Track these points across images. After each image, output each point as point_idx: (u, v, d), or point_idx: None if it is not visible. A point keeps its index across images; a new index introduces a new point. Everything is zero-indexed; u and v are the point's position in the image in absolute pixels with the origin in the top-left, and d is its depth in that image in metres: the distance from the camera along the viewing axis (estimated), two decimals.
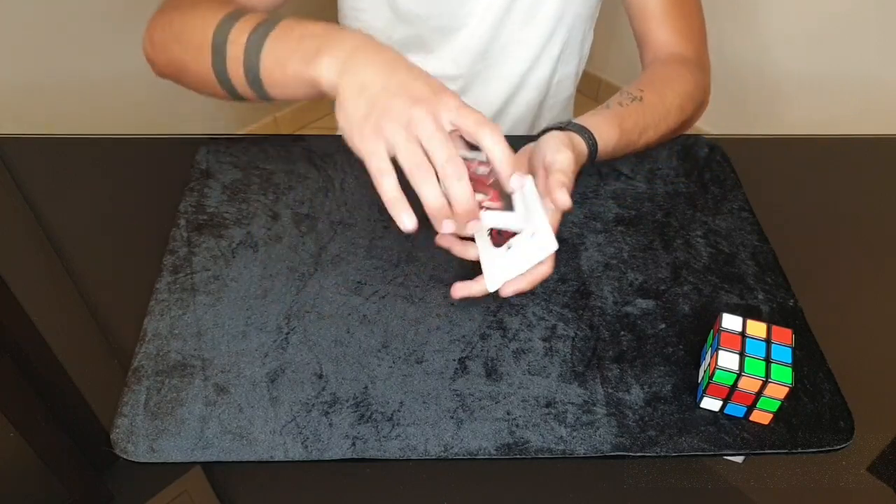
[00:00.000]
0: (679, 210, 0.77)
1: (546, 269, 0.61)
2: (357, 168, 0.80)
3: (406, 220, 0.53)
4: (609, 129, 0.70)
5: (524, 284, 0.60)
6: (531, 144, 0.68)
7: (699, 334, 0.65)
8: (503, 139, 0.55)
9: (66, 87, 1.53)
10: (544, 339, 0.64)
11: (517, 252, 0.59)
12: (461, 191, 0.52)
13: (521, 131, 0.99)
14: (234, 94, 0.65)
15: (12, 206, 0.79)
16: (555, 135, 0.65)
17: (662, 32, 0.84)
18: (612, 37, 1.54)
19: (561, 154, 0.62)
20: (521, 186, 0.56)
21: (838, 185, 0.85)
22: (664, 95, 0.76)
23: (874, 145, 0.93)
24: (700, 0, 0.85)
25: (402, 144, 0.52)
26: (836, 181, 0.86)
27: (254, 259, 0.70)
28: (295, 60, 0.57)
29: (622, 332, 0.65)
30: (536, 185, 0.61)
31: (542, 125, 1.01)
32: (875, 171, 0.88)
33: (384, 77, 0.54)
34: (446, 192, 0.53)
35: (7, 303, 0.69)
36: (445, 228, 0.54)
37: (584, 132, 0.67)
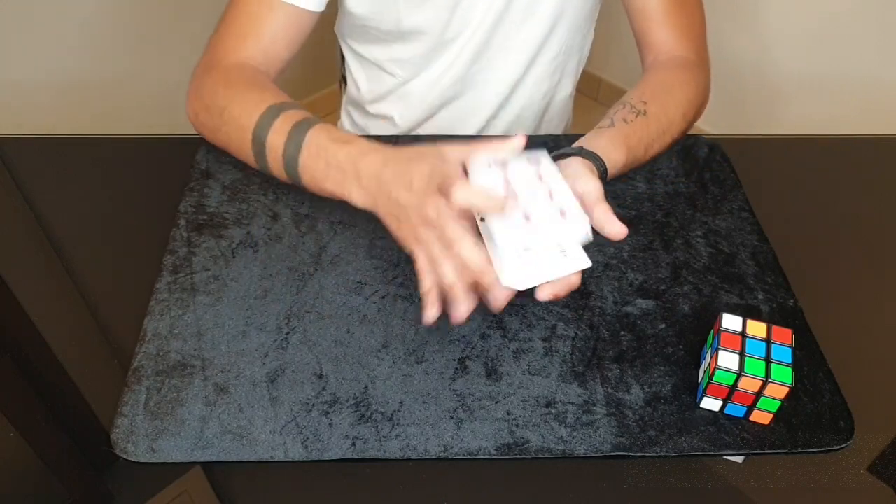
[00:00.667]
0: (679, 210, 0.77)
1: (576, 282, 0.58)
2: None
3: (429, 314, 0.59)
4: (616, 151, 0.69)
5: (562, 291, 0.57)
6: None
7: (699, 334, 0.65)
8: (486, 198, 0.57)
9: (66, 87, 1.53)
10: (544, 339, 0.64)
11: (544, 260, 0.55)
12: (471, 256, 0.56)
13: (519, 132, 0.98)
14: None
15: (12, 206, 0.79)
16: (578, 161, 0.65)
17: (663, 33, 0.83)
18: (612, 37, 1.54)
19: (591, 183, 0.61)
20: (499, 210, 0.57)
21: (838, 185, 0.85)
22: (667, 106, 0.76)
23: (874, 145, 0.93)
24: None
25: (425, 268, 0.59)
26: (836, 181, 0.86)
27: (254, 259, 0.70)
28: (328, 184, 0.65)
29: (622, 332, 0.65)
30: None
31: (542, 125, 1.01)
32: (875, 171, 0.88)
33: (396, 204, 0.60)
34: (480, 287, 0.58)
35: (7, 303, 0.69)
36: (462, 312, 0.58)
37: (594, 158, 0.67)
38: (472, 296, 0.58)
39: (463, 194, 0.55)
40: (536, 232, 0.56)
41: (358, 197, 0.63)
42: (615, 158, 0.69)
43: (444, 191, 0.56)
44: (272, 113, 0.69)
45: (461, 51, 0.88)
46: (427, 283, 0.59)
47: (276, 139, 0.68)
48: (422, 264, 0.59)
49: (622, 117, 0.73)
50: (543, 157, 0.62)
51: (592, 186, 0.60)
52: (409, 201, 0.58)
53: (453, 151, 0.61)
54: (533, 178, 0.60)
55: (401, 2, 0.83)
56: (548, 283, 0.56)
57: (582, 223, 0.55)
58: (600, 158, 0.67)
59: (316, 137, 0.66)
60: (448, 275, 0.57)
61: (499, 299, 0.58)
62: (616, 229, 0.58)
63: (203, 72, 0.78)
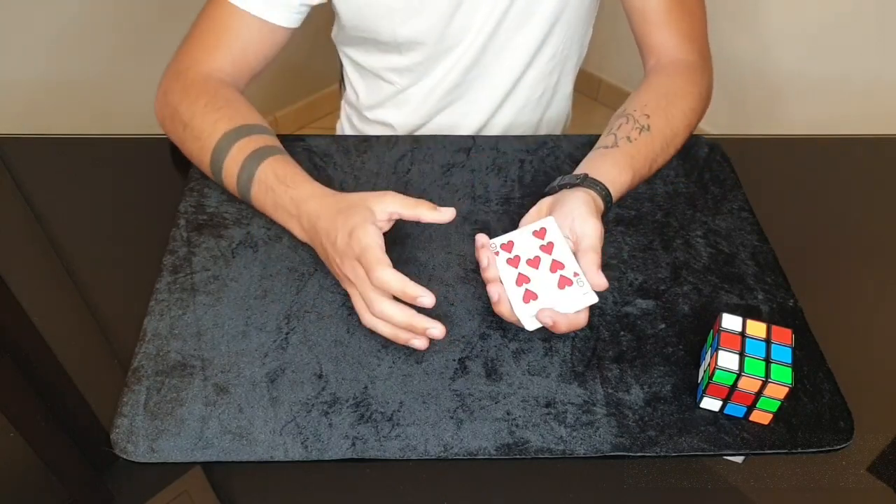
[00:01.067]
0: (679, 210, 0.77)
1: (583, 320, 0.61)
2: (357, 168, 0.80)
3: (417, 343, 0.61)
4: (622, 175, 0.70)
5: (563, 326, 0.59)
6: (549, 198, 0.68)
7: (699, 334, 0.65)
8: (432, 211, 0.63)
9: (66, 87, 1.53)
10: (544, 339, 0.64)
11: (556, 297, 0.60)
12: (393, 312, 0.60)
13: (518, 131, 0.99)
14: None
15: (12, 206, 0.79)
16: (580, 198, 0.65)
17: (664, 35, 0.82)
18: (612, 37, 1.54)
19: (588, 225, 0.62)
20: (483, 246, 0.62)
21: (838, 185, 0.85)
22: (671, 117, 0.75)
23: (874, 145, 0.93)
24: None
25: (354, 297, 0.64)
26: (836, 181, 0.86)
27: (254, 259, 0.70)
28: (277, 218, 0.71)
29: (622, 332, 0.65)
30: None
31: (541, 124, 1.01)
32: (875, 171, 0.88)
33: (324, 249, 0.65)
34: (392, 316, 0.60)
35: (7, 303, 0.69)
36: (418, 345, 0.62)
37: (598, 187, 0.67)
38: (414, 334, 0.61)
39: (382, 277, 0.58)
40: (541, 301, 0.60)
41: (300, 235, 0.69)
42: (621, 182, 0.69)
43: (363, 264, 0.60)
44: (229, 140, 0.71)
45: (459, 58, 0.88)
46: (384, 330, 0.62)
47: (232, 166, 0.71)
48: (357, 304, 0.64)
49: (626, 135, 0.73)
50: (550, 224, 0.64)
51: (589, 230, 0.62)
52: (333, 256, 0.63)
53: (384, 205, 0.63)
54: (536, 251, 0.63)
55: (396, 14, 0.83)
56: (553, 311, 0.59)
57: (588, 293, 0.60)
58: (605, 187, 0.67)
59: (265, 175, 0.69)
60: (377, 326, 0.62)
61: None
62: (596, 281, 0.60)
63: (170, 78, 0.78)
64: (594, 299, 0.59)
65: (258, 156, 0.70)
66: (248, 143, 0.71)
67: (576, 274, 0.60)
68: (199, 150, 0.73)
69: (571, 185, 0.67)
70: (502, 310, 0.61)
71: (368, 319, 0.62)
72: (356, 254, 0.60)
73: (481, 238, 0.63)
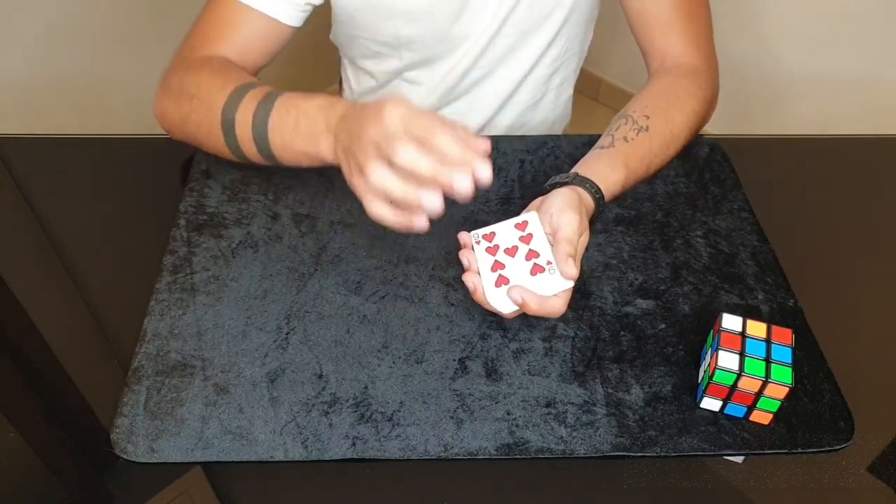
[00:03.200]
0: (679, 210, 0.77)
1: (558, 306, 0.60)
2: None
3: (418, 221, 0.54)
4: (615, 173, 0.69)
5: (533, 305, 0.59)
6: (540, 198, 0.68)
7: (699, 334, 0.65)
8: (450, 130, 0.54)
9: (66, 87, 1.53)
10: (544, 340, 0.64)
11: (533, 280, 0.60)
12: (452, 139, 0.53)
13: (519, 132, 0.99)
14: (251, 162, 0.73)
15: (12, 206, 0.79)
16: (562, 193, 0.65)
17: (669, 39, 0.81)
18: (612, 37, 1.54)
19: (565, 217, 0.62)
20: (465, 246, 0.62)
21: (838, 185, 0.85)
22: (671, 119, 0.75)
23: (874, 145, 0.93)
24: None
25: (371, 173, 0.54)
26: (836, 181, 0.86)
27: (254, 259, 0.70)
28: (299, 142, 0.67)
29: (622, 332, 0.65)
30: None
31: (542, 125, 1.01)
32: (875, 171, 0.88)
33: (351, 134, 0.59)
34: (451, 151, 0.53)
35: (7, 303, 0.69)
36: (463, 187, 0.52)
37: (588, 184, 0.67)
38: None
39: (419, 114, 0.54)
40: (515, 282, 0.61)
41: (326, 146, 0.65)
42: (613, 180, 0.69)
43: (399, 107, 0.54)
44: (240, 91, 0.69)
45: (459, 61, 0.88)
46: (376, 211, 0.55)
47: (245, 112, 0.68)
48: (364, 186, 0.56)
49: (623, 135, 0.72)
50: (532, 218, 0.64)
51: (565, 222, 0.61)
52: (358, 129, 0.57)
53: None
54: (515, 241, 0.63)
55: (399, 17, 0.82)
56: (523, 289, 0.59)
57: (558, 280, 0.60)
58: (594, 184, 0.67)
59: (287, 99, 0.67)
60: (391, 183, 0.54)
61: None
62: (565, 270, 0.59)
63: (171, 70, 0.77)
64: (565, 285, 0.60)
65: (276, 93, 0.68)
66: (262, 89, 0.69)
67: (549, 263, 0.61)
68: (208, 112, 0.71)
69: (562, 184, 0.68)
70: (479, 298, 0.61)
71: (420, 165, 0.53)
72: (399, 113, 0.54)
73: (463, 237, 0.63)
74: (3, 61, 1.43)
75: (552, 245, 0.62)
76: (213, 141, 0.72)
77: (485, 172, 0.52)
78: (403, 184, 0.53)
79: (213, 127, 0.71)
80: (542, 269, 0.60)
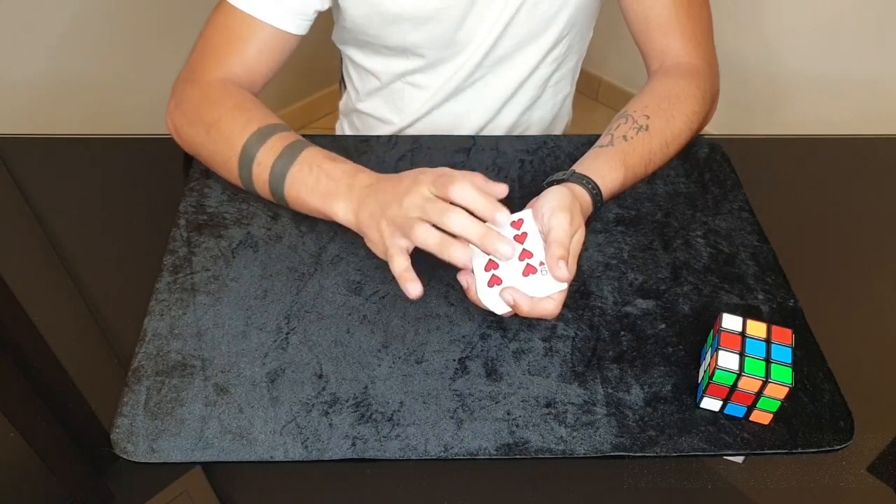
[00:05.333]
0: (679, 210, 0.77)
1: (550, 308, 0.60)
2: None
3: (415, 288, 0.59)
4: (613, 171, 0.69)
5: (525, 307, 0.59)
6: (537, 197, 0.67)
7: (699, 334, 0.65)
8: (473, 189, 0.60)
9: (66, 87, 1.53)
10: (544, 340, 0.64)
11: (527, 281, 0.60)
12: (483, 204, 0.59)
13: (518, 131, 0.99)
14: (258, 196, 0.74)
15: (12, 206, 0.79)
16: (554, 192, 0.64)
17: (669, 40, 0.81)
18: (612, 37, 1.54)
19: (556, 218, 0.61)
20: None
21: (838, 185, 0.85)
22: (671, 118, 0.75)
23: (874, 145, 0.93)
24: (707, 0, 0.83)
25: (416, 232, 0.59)
26: (836, 181, 0.86)
27: (254, 259, 0.70)
28: (314, 200, 0.67)
29: (622, 332, 0.65)
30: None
31: (542, 125, 1.01)
32: (875, 171, 0.88)
33: (381, 200, 0.63)
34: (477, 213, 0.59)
35: (7, 303, 0.69)
36: (500, 250, 0.58)
37: (584, 181, 0.67)
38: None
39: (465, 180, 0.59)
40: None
41: (343, 208, 0.66)
42: (611, 178, 0.69)
43: (445, 177, 0.60)
44: (265, 133, 0.69)
45: (465, 62, 0.87)
46: (402, 264, 0.60)
47: (266, 155, 0.69)
48: (399, 263, 0.60)
49: (622, 134, 0.72)
50: (527, 216, 0.64)
51: (556, 223, 0.61)
52: (394, 196, 0.62)
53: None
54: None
55: (405, 22, 0.82)
56: (515, 290, 0.59)
57: (550, 282, 0.59)
58: (592, 181, 0.67)
59: (311, 156, 0.68)
60: (459, 254, 0.59)
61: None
62: (556, 273, 0.59)
63: (184, 86, 0.77)
64: (557, 288, 0.59)
65: (301, 145, 0.69)
66: (287, 136, 0.70)
67: (542, 263, 0.60)
68: (227, 147, 0.71)
69: (559, 182, 0.67)
70: (473, 297, 0.61)
71: (449, 222, 0.59)
72: (430, 177, 0.61)
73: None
74: (6, 62, 1.43)
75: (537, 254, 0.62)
76: (226, 171, 0.73)
77: (506, 248, 0.58)
78: (442, 239, 0.59)
79: (229, 160, 0.71)
80: (535, 270, 0.60)
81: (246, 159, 0.70)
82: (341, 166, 0.67)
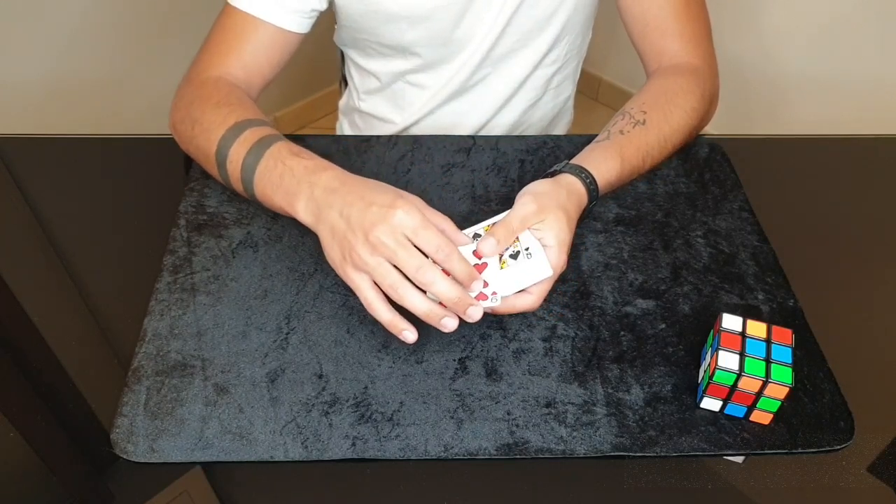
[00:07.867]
0: (679, 210, 0.77)
1: (530, 302, 0.60)
2: (356, 168, 0.80)
3: (408, 336, 0.58)
4: (608, 161, 0.69)
5: (501, 309, 0.60)
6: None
7: (699, 334, 0.65)
8: (457, 232, 0.60)
9: (66, 87, 1.53)
10: (544, 340, 0.64)
11: (512, 272, 0.60)
12: (459, 267, 0.57)
13: (519, 131, 0.99)
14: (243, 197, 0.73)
15: (12, 206, 0.79)
16: (535, 184, 0.65)
17: (668, 41, 0.81)
18: (612, 37, 1.54)
19: (518, 203, 0.62)
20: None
21: (838, 185, 0.85)
22: (669, 114, 0.75)
23: (874, 145, 0.93)
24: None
25: (377, 271, 0.57)
26: (836, 181, 0.86)
27: (254, 259, 0.70)
28: (278, 197, 0.64)
29: (622, 332, 0.65)
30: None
31: (542, 125, 1.01)
32: (875, 171, 0.88)
33: (346, 216, 0.59)
34: (452, 273, 0.57)
35: (7, 303, 0.69)
36: (449, 327, 0.57)
37: (577, 171, 0.67)
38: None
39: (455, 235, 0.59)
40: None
41: (303, 209, 0.62)
42: (607, 168, 0.69)
43: (423, 217, 0.58)
44: (240, 127, 0.68)
45: (465, 63, 0.87)
46: (382, 312, 0.58)
47: (239, 150, 0.67)
48: (366, 295, 0.58)
49: (619, 129, 0.73)
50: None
51: (516, 207, 0.62)
52: (346, 231, 0.58)
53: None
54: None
55: (401, 21, 0.82)
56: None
57: (543, 267, 0.60)
58: (586, 170, 0.67)
59: (278, 151, 0.65)
60: (418, 302, 0.57)
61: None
62: (481, 245, 0.59)
63: (182, 85, 0.78)
64: (533, 280, 0.59)
65: (271, 139, 0.66)
66: (261, 130, 0.68)
67: (512, 257, 0.60)
68: (206, 140, 0.70)
69: (553, 174, 0.68)
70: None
71: (405, 293, 0.57)
72: (403, 221, 0.56)
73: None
74: (7, 62, 1.44)
75: (521, 240, 0.61)
76: (211, 170, 0.73)
77: (476, 312, 0.57)
78: (400, 283, 0.57)
79: (209, 157, 0.70)
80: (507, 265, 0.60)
81: (220, 155, 0.69)
82: (304, 162, 0.63)
